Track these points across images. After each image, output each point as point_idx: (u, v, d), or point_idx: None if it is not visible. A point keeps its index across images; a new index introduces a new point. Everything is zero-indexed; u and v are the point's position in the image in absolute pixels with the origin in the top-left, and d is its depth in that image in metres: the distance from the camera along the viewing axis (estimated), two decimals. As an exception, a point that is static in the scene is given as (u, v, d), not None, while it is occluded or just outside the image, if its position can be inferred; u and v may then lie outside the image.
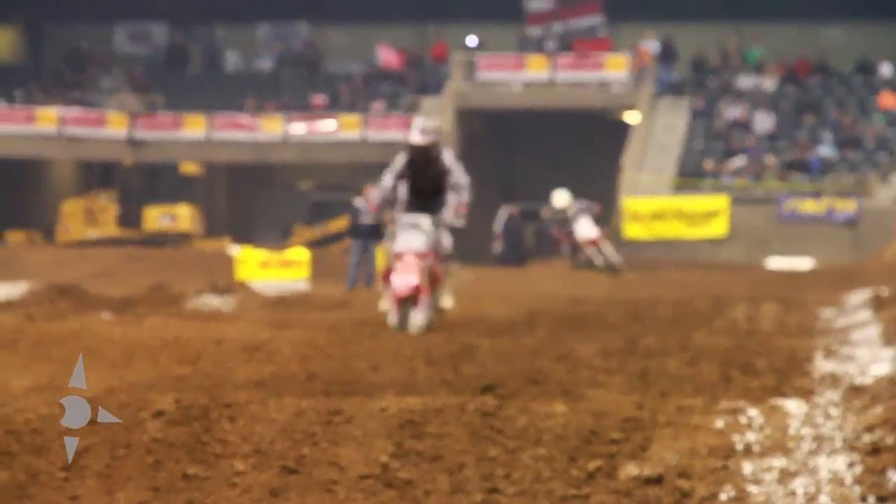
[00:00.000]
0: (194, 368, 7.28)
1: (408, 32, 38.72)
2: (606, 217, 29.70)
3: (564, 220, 20.55)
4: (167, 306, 12.43)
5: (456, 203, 10.69)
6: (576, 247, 20.76)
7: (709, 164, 32.05)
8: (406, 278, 9.94)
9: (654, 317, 10.79)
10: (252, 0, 38.55)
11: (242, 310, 11.92)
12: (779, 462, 4.70)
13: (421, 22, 38.82)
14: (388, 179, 10.71)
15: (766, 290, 16.51)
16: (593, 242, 20.18)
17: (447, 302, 10.59)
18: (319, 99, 35.68)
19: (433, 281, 10.30)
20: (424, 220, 10.43)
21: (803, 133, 33.25)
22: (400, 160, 10.75)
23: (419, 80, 36.66)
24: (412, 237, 10.27)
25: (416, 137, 10.53)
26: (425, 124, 10.76)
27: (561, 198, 20.27)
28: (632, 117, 33.74)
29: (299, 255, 22.96)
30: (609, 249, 20.72)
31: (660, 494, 4.54)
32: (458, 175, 10.76)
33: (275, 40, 38.89)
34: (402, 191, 10.69)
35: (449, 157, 10.82)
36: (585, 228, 20.12)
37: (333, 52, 38.51)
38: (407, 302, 9.89)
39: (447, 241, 10.74)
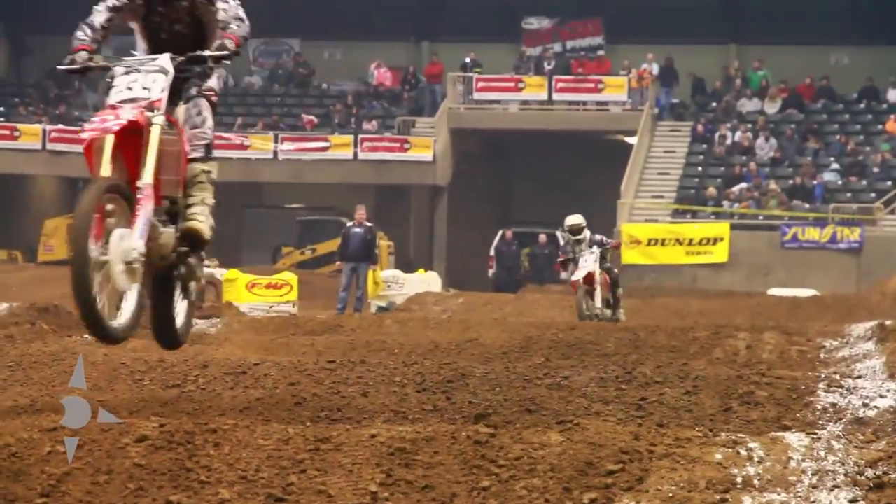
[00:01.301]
0: (179, 392, 7.17)
1: (403, 50, 38.75)
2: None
3: (574, 247, 17.61)
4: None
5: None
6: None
7: (710, 191, 31.96)
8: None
9: (652, 345, 10.69)
10: (243, 15, 38.51)
11: (229, 333, 11.81)
12: (779, 497, 4.63)
13: (416, 40, 38.84)
14: (100, 14, 6.52)
15: (768, 318, 16.47)
16: (588, 279, 16.84)
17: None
18: (311, 117, 35.65)
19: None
20: (163, 59, 6.23)
21: (806, 158, 33.18)
22: None
23: (413, 99, 36.67)
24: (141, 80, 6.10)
25: None
26: None
27: (573, 218, 17.59)
28: (631, 140, 33.70)
29: (287, 277, 22.92)
30: (600, 298, 17.04)
31: (657, 528, 4.47)
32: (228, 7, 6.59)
33: (266, 56, 38.87)
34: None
35: None
36: (587, 263, 17.04)
37: (326, 69, 38.52)
38: None
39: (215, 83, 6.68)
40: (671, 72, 35.60)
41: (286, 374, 7.83)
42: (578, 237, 17.12)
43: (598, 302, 16.76)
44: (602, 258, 17.08)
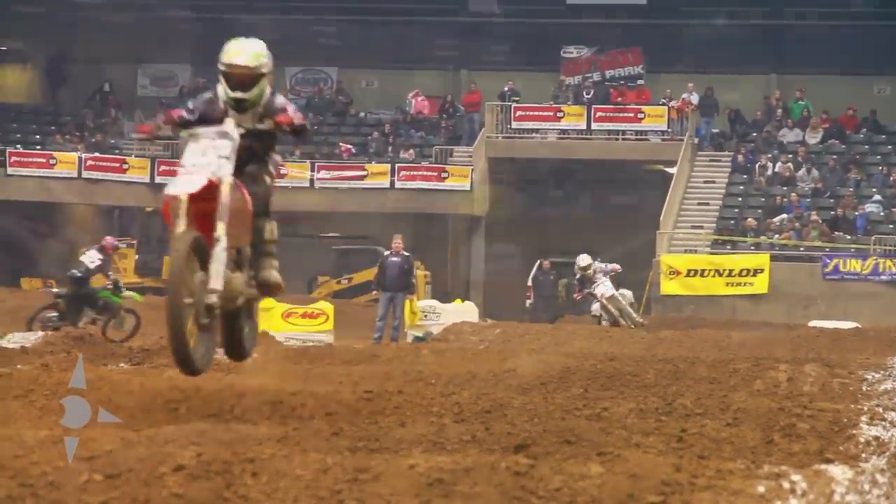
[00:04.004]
0: (216, 421, 7.15)
1: (441, 79, 38.82)
2: (642, 273, 29.45)
3: (584, 280, 22.41)
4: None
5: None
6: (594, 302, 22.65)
7: (750, 222, 31.69)
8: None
9: (691, 376, 10.57)
10: (281, 43, 38.70)
11: (265, 362, 11.80)
12: (824, 530, 4.53)
13: (455, 69, 38.89)
14: (186, 112, 7.30)
15: (809, 350, 16.30)
16: (609, 300, 21.84)
17: None
18: (348, 146, 35.73)
19: None
20: (229, 126, 7.04)
21: (848, 190, 32.87)
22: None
23: (451, 128, 36.70)
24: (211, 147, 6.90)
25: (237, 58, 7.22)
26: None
27: (582, 259, 22.28)
28: (671, 170, 33.52)
29: (323, 307, 22.93)
30: (624, 304, 22.26)
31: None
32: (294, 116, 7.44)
33: (304, 85, 39.07)
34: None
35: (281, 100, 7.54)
36: (603, 287, 21.90)
37: (363, 98, 38.65)
38: None
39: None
40: (711, 101, 35.44)
41: (323, 403, 7.81)
42: (587, 273, 21.92)
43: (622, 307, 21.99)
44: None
